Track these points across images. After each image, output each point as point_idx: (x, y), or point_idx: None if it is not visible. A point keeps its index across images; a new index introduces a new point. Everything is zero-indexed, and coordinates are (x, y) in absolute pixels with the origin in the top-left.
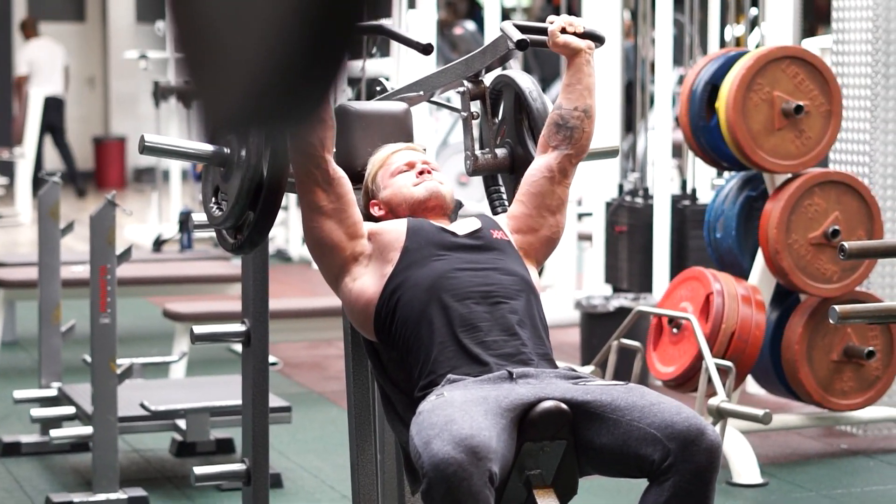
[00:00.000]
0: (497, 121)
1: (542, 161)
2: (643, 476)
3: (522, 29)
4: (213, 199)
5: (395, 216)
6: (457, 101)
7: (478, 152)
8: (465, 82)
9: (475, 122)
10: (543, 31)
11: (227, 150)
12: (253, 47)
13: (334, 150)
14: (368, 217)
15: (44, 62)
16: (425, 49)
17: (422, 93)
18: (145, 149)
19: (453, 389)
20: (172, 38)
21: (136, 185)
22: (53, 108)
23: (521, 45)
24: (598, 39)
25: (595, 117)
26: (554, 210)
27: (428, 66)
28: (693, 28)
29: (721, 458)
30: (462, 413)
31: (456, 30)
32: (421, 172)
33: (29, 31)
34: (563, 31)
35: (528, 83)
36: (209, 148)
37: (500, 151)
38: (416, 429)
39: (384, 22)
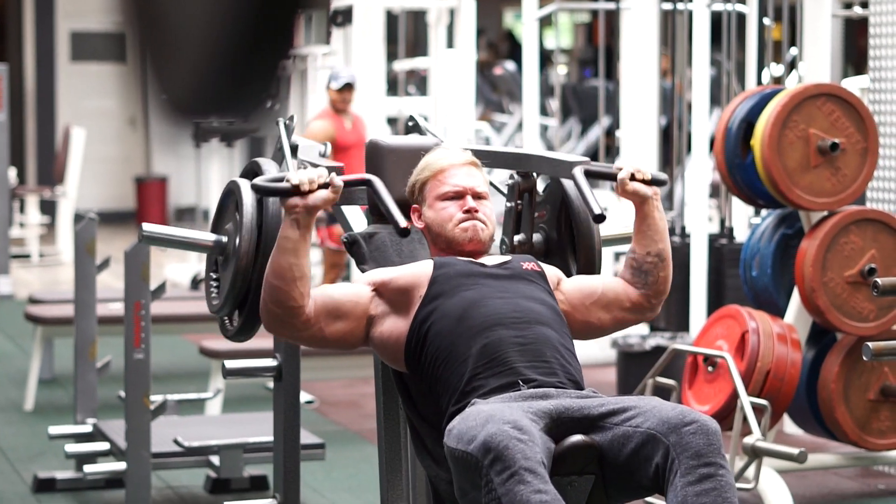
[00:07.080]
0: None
1: (622, 286)
2: (660, 490)
3: (590, 173)
4: (215, 284)
5: (431, 239)
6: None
7: (516, 239)
8: (516, 174)
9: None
10: (612, 177)
11: (224, 240)
12: (203, 39)
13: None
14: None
15: None
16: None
17: None
18: (143, 238)
19: (480, 404)
20: (131, 32)
21: (178, 225)
22: None
23: (598, 219)
24: (662, 183)
25: (669, 259)
26: (603, 307)
27: (466, 106)
28: (731, 67)
29: (721, 440)
30: (500, 410)
31: (496, 70)
32: (468, 210)
33: None
34: (633, 177)
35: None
36: (210, 237)
37: (536, 237)
38: (454, 440)
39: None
